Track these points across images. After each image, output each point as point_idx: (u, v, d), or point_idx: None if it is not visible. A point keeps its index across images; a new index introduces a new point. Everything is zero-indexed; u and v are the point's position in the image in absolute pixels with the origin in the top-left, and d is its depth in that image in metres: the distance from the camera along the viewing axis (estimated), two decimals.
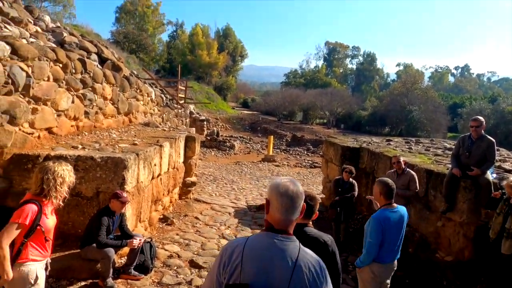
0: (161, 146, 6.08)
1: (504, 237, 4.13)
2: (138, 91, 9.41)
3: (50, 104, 5.16)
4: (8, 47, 4.19)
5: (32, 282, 2.36)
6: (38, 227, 2.36)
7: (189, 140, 8.09)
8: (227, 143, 23.38)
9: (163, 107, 12.87)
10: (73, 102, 5.82)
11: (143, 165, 5.11)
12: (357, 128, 34.61)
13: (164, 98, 13.95)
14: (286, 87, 45.36)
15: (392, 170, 5.67)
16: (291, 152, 25.17)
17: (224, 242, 5.91)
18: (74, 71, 5.89)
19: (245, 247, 1.50)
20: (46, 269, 2.50)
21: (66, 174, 2.46)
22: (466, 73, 74.87)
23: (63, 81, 5.51)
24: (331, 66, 61.09)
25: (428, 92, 35.43)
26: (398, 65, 66.43)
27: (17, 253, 2.31)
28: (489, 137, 4.84)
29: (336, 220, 6.13)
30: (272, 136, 21.93)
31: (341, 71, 61.79)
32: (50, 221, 2.45)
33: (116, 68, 7.98)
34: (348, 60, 64.42)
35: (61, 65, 5.44)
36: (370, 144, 8.43)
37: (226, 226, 6.82)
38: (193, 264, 4.92)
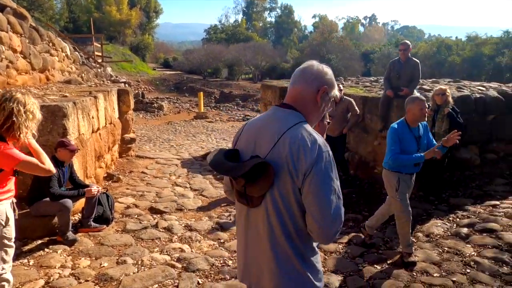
0: (95, 97, 5.55)
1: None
2: (51, 44, 8.24)
3: None
4: None
5: (3, 223, 2.09)
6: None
7: (122, 94, 7.50)
8: (155, 105, 22.28)
9: (81, 65, 11.55)
10: None
11: (81, 116, 4.65)
12: None
13: (79, 56, 12.48)
14: (208, 43, 43.82)
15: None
16: (221, 108, 25.08)
17: (178, 189, 5.85)
18: None
19: (249, 120, 1.55)
20: (14, 211, 2.23)
21: (36, 108, 2.15)
22: (373, 22, 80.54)
23: None
24: (251, 20, 60.22)
25: (343, 41, 37.44)
26: (314, 16, 68.39)
27: None
28: (414, 59, 5.40)
29: None
30: (201, 93, 21.43)
31: (261, 24, 61.41)
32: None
33: (19, 16, 6.81)
34: (266, 13, 64.13)
35: None
36: None
37: (176, 176, 6.71)
38: (153, 210, 4.81)
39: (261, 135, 1.40)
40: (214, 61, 36.35)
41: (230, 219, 4.54)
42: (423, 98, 3.26)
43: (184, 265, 3.34)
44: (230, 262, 3.43)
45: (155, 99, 24.38)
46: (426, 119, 3.28)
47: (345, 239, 3.96)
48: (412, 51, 32.95)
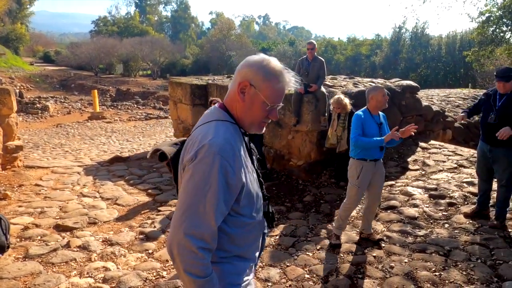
0: None
1: (337, 142, 5.33)
2: None
3: None
4: None
5: None
6: None
7: (0, 94, 6.28)
8: (38, 105, 19.42)
9: None
10: None
11: None
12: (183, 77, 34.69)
13: None
14: (97, 36, 39.91)
15: None
16: (119, 107, 23.26)
17: (87, 200, 5.21)
18: None
19: None
20: None
21: None
22: (267, 21, 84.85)
23: None
24: (145, 13, 57.06)
25: (242, 38, 38.45)
26: (211, 13, 68.47)
27: None
28: (320, 57, 5.85)
29: None
30: (96, 91, 19.45)
31: (156, 18, 58.70)
32: None
33: None
34: (161, 7, 61.60)
35: None
36: (214, 81, 8.72)
37: (81, 185, 5.96)
38: (60, 228, 4.18)
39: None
40: (107, 56, 33.38)
41: (155, 227, 4.24)
42: (382, 86, 3.37)
43: (113, 285, 2.98)
44: (164, 273, 3.19)
45: (37, 99, 21.25)
46: (386, 105, 3.47)
47: (276, 232, 4.08)
48: (303, 50, 35.68)
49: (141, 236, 3.98)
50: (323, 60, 5.81)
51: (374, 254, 3.49)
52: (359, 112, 3.48)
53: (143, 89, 28.77)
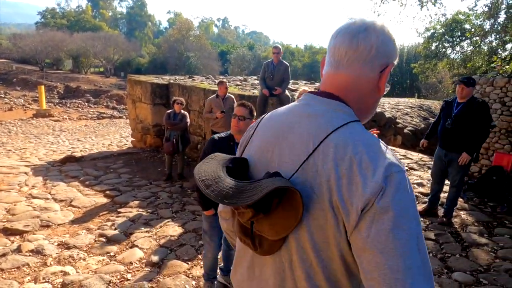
0: None
1: None
2: None
3: None
4: None
5: None
6: None
7: None
8: None
9: None
10: None
11: None
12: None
13: None
14: (44, 29, 37.27)
15: (214, 95, 6.09)
16: (68, 105, 21.96)
17: (38, 202, 4.85)
18: None
19: (269, 113, 0.95)
20: None
21: None
22: (226, 24, 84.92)
23: None
24: (98, 8, 54.39)
25: (200, 39, 38.07)
26: (169, 12, 67.21)
27: None
28: (285, 62, 5.99)
29: (175, 152, 6.06)
30: (42, 87, 18.13)
31: (110, 14, 56.18)
32: None
33: None
34: (116, 2, 59.13)
35: None
36: (176, 80, 8.56)
37: (30, 186, 5.53)
38: (8, 232, 3.85)
39: (286, 139, 0.83)
40: (54, 50, 31.33)
41: (116, 229, 4.05)
42: None
43: None
44: (129, 276, 3.07)
45: None
46: None
47: None
48: (262, 55, 35.99)
49: (101, 239, 3.78)
50: (287, 64, 5.96)
51: None
52: None
53: (95, 87, 27.41)
